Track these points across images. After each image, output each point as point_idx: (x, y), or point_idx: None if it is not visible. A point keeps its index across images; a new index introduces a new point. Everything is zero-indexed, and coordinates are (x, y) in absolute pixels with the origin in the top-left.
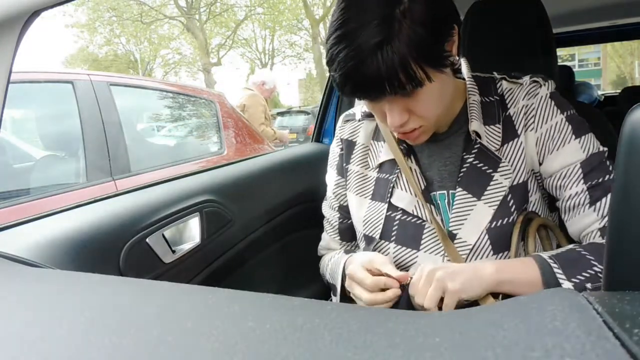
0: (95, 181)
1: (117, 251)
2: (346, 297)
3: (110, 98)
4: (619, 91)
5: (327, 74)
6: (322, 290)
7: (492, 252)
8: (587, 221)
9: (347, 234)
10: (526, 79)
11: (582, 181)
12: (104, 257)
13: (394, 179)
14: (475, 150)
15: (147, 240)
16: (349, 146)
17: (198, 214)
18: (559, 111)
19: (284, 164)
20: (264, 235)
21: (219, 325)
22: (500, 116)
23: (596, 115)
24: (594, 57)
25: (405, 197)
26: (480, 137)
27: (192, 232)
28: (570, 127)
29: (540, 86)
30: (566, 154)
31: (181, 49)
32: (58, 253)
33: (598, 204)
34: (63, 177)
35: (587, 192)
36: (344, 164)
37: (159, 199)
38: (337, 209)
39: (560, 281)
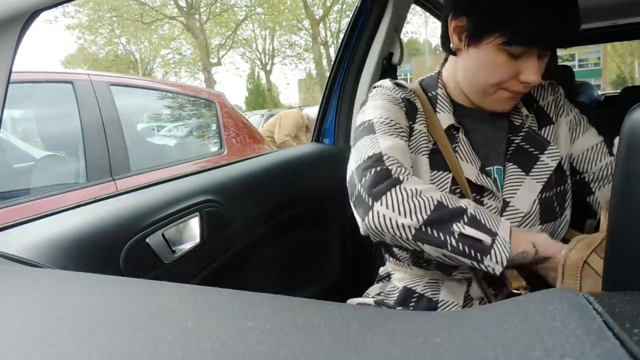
0: (95, 181)
1: (117, 251)
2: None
3: (110, 98)
4: (619, 91)
5: (327, 74)
6: (322, 290)
7: (539, 222)
8: None
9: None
10: (542, 81)
11: (608, 155)
12: (104, 257)
13: (456, 147)
14: (523, 134)
15: (147, 240)
16: (412, 107)
17: (198, 214)
18: (572, 106)
19: (284, 164)
20: (264, 235)
21: (219, 325)
22: (531, 107)
23: (596, 115)
24: (594, 57)
25: (468, 168)
26: (527, 121)
27: (192, 232)
28: (584, 119)
29: (558, 87)
30: (590, 136)
31: (181, 49)
32: (58, 253)
33: None
34: (63, 177)
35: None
36: (410, 122)
37: (159, 199)
38: (403, 129)
39: None
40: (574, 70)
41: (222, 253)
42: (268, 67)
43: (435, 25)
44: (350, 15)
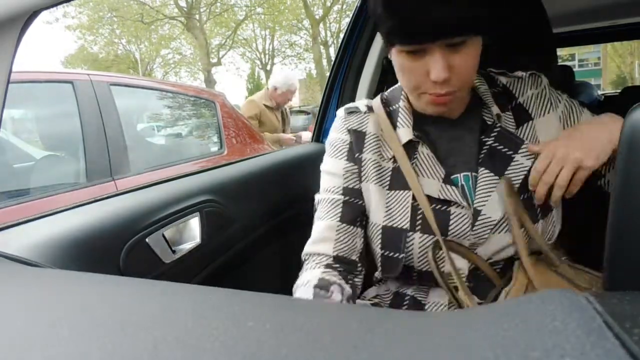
0: (95, 181)
1: (117, 251)
2: None
3: (110, 98)
4: (619, 91)
5: (327, 74)
6: None
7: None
8: None
9: (350, 214)
10: (522, 73)
11: None
12: (104, 257)
13: (413, 165)
14: (495, 134)
15: (147, 240)
16: (358, 136)
17: (198, 214)
18: (559, 93)
19: (284, 164)
20: (264, 235)
21: (219, 325)
22: (509, 105)
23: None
24: (594, 57)
25: (429, 183)
26: (499, 121)
27: (192, 232)
28: (574, 103)
29: (540, 77)
30: (587, 117)
31: (181, 49)
32: (58, 253)
33: None
34: (63, 177)
35: None
36: (356, 154)
37: (159, 199)
38: (340, 191)
39: None
40: (574, 70)
41: (222, 253)
42: (268, 67)
43: None
44: (350, 15)
